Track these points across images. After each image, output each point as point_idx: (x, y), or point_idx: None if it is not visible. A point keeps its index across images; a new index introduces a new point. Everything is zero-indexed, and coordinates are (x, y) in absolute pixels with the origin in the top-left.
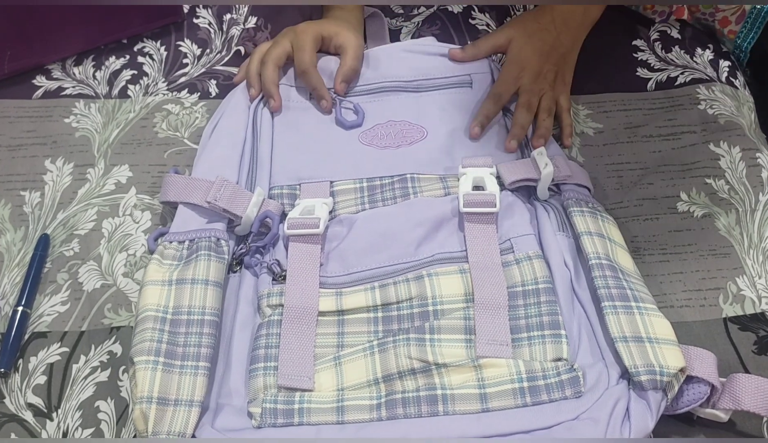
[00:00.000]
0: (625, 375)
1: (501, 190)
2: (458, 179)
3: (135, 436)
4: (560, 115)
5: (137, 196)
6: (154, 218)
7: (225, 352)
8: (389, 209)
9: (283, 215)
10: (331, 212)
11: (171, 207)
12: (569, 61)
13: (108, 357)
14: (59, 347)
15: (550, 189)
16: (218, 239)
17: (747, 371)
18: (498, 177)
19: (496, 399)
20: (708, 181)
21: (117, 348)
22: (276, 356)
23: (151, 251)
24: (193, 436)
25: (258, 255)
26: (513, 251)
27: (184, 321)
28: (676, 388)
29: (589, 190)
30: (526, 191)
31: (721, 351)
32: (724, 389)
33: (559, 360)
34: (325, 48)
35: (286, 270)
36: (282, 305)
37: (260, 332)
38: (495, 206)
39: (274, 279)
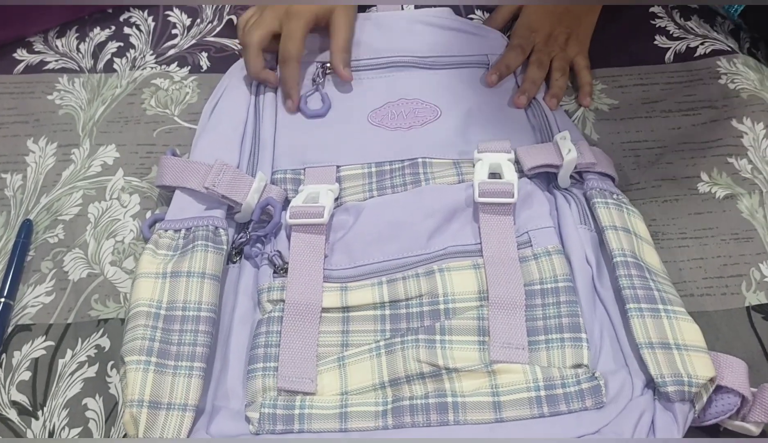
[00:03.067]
0: (651, 383)
1: (519, 177)
2: (473, 165)
3: (125, 436)
4: (579, 73)
5: (125, 178)
6: (143, 201)
7: (223, 349)
8: (399, 197)
9: (286, 202)
10: (336, 200)
11: (167, 192)
12: (585, 23)
13: (96, 351)
14: (44, 340)
15: (571, 177)
16: (216, 228)
17: None
18: (516, 162)
19: (510, 408)
20: (730, 160)
21: (105, 342)
22: (276, 355)
23: (146, 239)
24: None
25: (259, 245)
26: (531, 245)
27: (179, 317)
28: (705, 399)
29: (613, 179)
30: (545, 178)
31: (744, 343)
32: (756, 400)
33: (579, 366)
34: (317, 25)
35: (288, 262)
36: (283, 301)
37: (260, 329)
38: (512, 197)
39: (275, 272)
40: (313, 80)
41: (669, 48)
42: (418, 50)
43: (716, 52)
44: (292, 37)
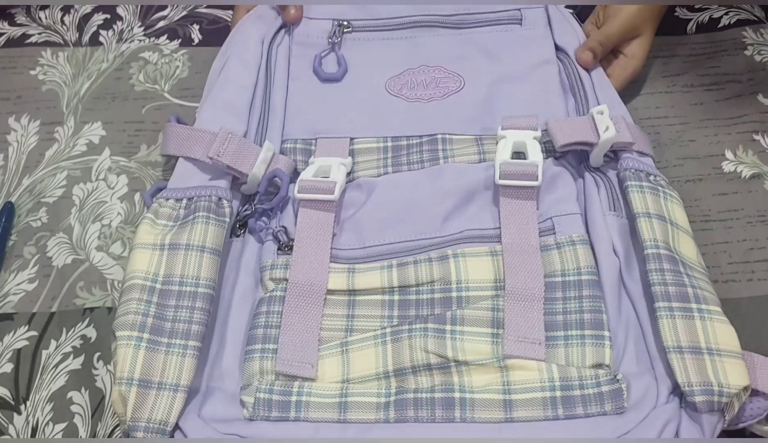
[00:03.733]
0: (677, 390)
1: (545, 157)
2: (496, 142)
3: (113, 430)
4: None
5: (111, 158)
6: (131, 182)
7: (220, 328)
8: (415, 175)
9: (296, 174)
10: (349, 174)
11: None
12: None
13: (81, 341)
14: (27, 330)
15: (606, 156)
16: (219, 199)
17: None
18: (546, 141)
19: (522, 407)
20: (756, 137)
21: (91, 332)
22: (276, 337)
23: (147, 207)
24: (177, 425)
25: (264, 219)
26: (554, 233)
27: (175, 292)
28: (737, 409)
29: (652, 158)
30: (576, 155)
31: None
32: None
33: (600, 366)
34: None
35: (293, 239)
36: (286, 280)
37: (260, 308)
38: (537, 179)
39: (279, 249)
40: (329, 39)
41: (691, 19)
42: (444, 8)
43: (742, 22)
44: None
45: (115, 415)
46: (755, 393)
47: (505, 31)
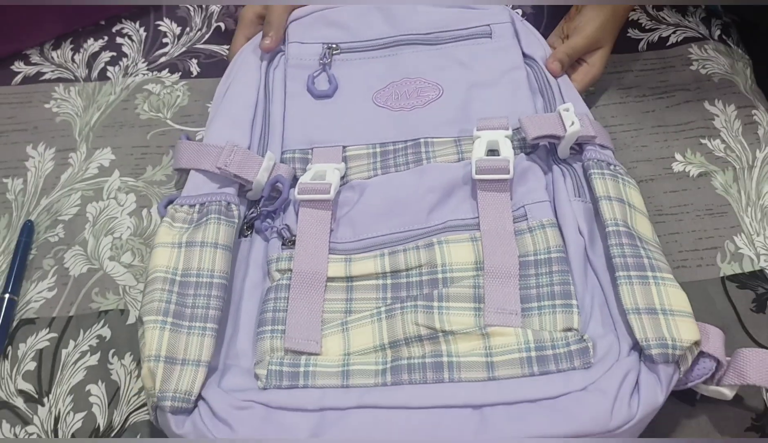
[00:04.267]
0: (637, 347)
1: (517, 154)
2: (473, 142)
3: (130, 415)
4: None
5: (121, 179)
6: (138, 200)
7: (234, 315)
8: (401, 175)
9: (295, 180)
10: (342, 178)
11: (183, 174)
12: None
13: (97, 341)
14: (48, 332)
15: (571, 148)
16: (228, 204)
17: (745, 328)
18: (520, 138)
19: (502, 367)
20: (703, 141)
21: (106, 332)
22: (283, 319)
23: (162, 217)
24: (200, 396)
25: (269, 220)
26: (526, 219)
27: (193, 283)
28: (690, 361)
29: (612, 151)
30: (545, 149)
31: (719, 310)
32: (729, 365)
33: (570, 330)
34: None
35: (295, 235)
36: (291, 270)
37: (269, 295)
38: (508, 173)
39: (283, 244)
40: (320, 61)
41: (642, 39)
42: (420, 28)
43: (688, 40)
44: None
45: (143, 391)
46: (702, 355)
47: (476, 45)
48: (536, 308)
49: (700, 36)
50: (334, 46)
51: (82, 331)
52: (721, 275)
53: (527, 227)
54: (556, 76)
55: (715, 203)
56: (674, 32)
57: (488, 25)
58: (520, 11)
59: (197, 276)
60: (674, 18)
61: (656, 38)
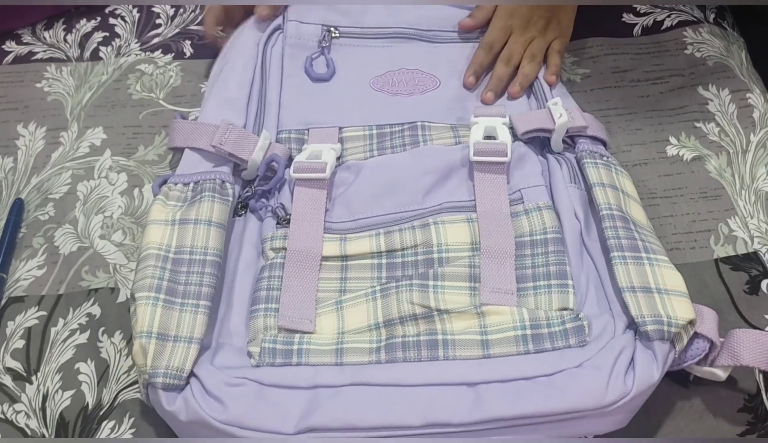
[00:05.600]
0: (632, 325)
1: (514, 141)
2: (470, 129)
3: (119, 394)
4: (549, 55)
5: (112, 158)
6: (130, 179)
7: (227, 293)
8: (398, 157)
9: (290, 160)
10: (339, 159)
11: (177, 153)
12: (566, 9)
13: (87, 319)
14: (37, 311)
15: (564, 142)
16: (223, 182)
17: (738, 310)
18: (511, 128)
19: (497, 345)
20: (698, 125)
21: (95, 310)
22: (277, 298)
23: (155, 196)
24: (192, 373)
25: (263, 199)
26: (523, 202)
27: (186, 260)
28: (685, 340)
29: (605, 144)
30: (539, 143)
31: (712, 291)
32: (723, 346)
33: (565, 309)
34: None
35: (290, 214)
36: (285, 249)
37: (263, 274)
38: (506, 156)
39: (278, 223)
40: (319, 43)
41: (636, 23)
42: (421, 23)
43: (682, 23)
44: None
45: (134, 369)
46: (696, 335)
47: (472, 49)
48: (532, 288)
49: (694, 19)
50: (333, 29)
51: (71, 309)
52: (715, 257)
53: (523, 209)
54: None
55: (709, 187)
56: (669, 16)
57: (485, 31)
58: None
59: (190, 253)
60: (669, 2)
61: (651, 22)
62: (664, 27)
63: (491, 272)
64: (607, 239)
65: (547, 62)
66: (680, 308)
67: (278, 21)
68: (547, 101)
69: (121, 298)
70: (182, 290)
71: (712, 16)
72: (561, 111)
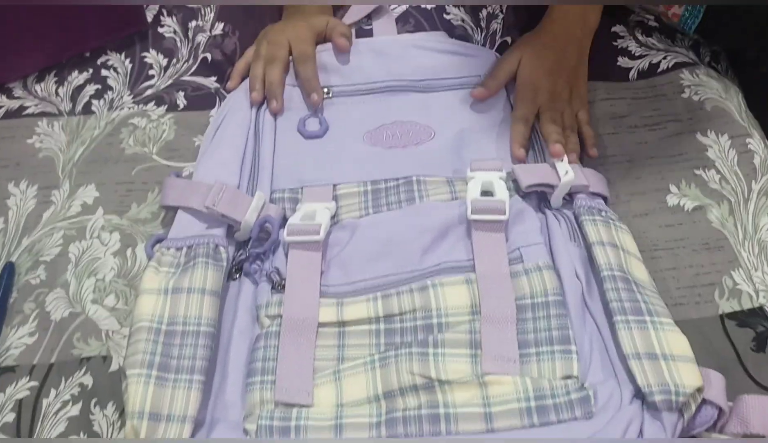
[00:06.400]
0: (639, 393)
1: (511, 196)
2: (466, 183)
3: None
4: (581, 128)
5: (105, 217)
6: (123, 239)
7: (222, 363)
8: (394, 215)
9: (285, 220)
10: (333, 217)
11: (170, 210)
12: (580, 74)
13: (79, 389)
14: (28, 381)
15: (563, 197)
16: (217, 246)
17: (745, 369)
18: (513, 180)
19: (501, 418)
20: (698, 172)
21: (88, 380)
22: (274, 369)
23: (149, 258)
24: None
25: (258, 262)
26: (522, 261)
27: (179, 332)
28: (693, 408)
29: (605, 199)
30: (536, 197)
31: (718, 349)
32: (733, 412)
33: (569, 377)
34: (318, 37)
35: (285, 279)
36: (281, 316)
37: (258, 344)
38: (504, 214)
39: (273, 288)
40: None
41: (632, 67)
42: (412, 74)
43: (679, 65)
44: (304, 40)
45: None
46: (704, 402)
47: (467, 94)
48: (534, 354)
49: (690, 61)
50: (326, 89)
51: (63, 379)
52: (720, 312)
53: (523, 269)
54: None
55: (711, 238)
56: (664, 58)
57: (478, 75)
58: (509, 39)
59: (184, 324)
60: (663, 44)
61: (647, 65)
62: (660, 70)
63: (492, 339)
64: (609, 302)
65: (581, 135)
66: (687, 376)
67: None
68: (545, 153)
69: (114, 367)
70: (175, 364)
71: (707, 59)
72: (566, 168)
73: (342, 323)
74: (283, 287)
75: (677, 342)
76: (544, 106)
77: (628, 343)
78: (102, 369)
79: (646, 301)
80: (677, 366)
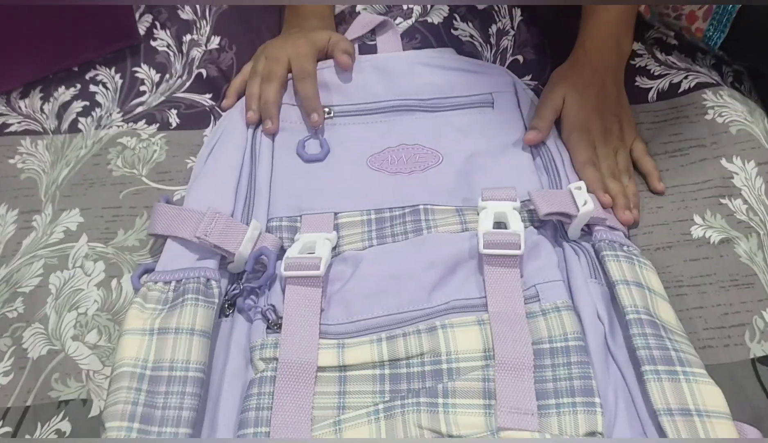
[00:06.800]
0: None
1: (525, 227)
2: (477, 212)
3: None
4: (640, 161)
5: (89, 244)
6: (108, 268)
7: (212, 411)
8: (399, 247)
9: (282, 251)
10: (334, 249)
11: (160, 239)
12: (623, 104)
13: (55, 435)
14: (1, 426)
15: (581, 229)
16: (208, 280)
17: None
18: (528, 210)
19: None
20: (723, 201)
21: (65, 426)
22: (268, 419)
23: (135, 290)
24: None
25: (253, 297)
26: (539, 300)
27: (165, 378)
28: None
29: (624, 232)
30: (552, 227)
31: (750, 397)
32: None
33: (593, 434)
34: (320, 53)
35: (282, 317)
36: (276, 359)
37: (251, 390)
38: (519, 248)
39: (268, 327)
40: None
41: (651, 87)
42: (419, 93)
43: (701, 86)
44: (305, 56)
45: None
46: None
47: (478, 114)
48: (554, 406)
49: (713, 82)
50: (327, 109)
51: (39, 424)
52: (751, 356)
53: (540, 309)
54: (535, 143)
55: (740, 273)
56: (686, 77)
57: (490, 93)
58: (521, 57)
59: (170, 369)
60: (684, 62)
61: (666, 85)
62: (681, 90)
63: (508, 389)
64: (636, 349)
65: (643, 169)
66: (723, 433)
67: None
68: (561, 180)
69: (94, 411)
70: (160, 415)
71: (730, 80)
72: (585, 197)
73: (343, 368)
74: (280, 326)
75: (712, 396)
76: (600, 152)
77: (658, 397)
78: (81, 413)
79: (676, 348)
80: (712, 423)
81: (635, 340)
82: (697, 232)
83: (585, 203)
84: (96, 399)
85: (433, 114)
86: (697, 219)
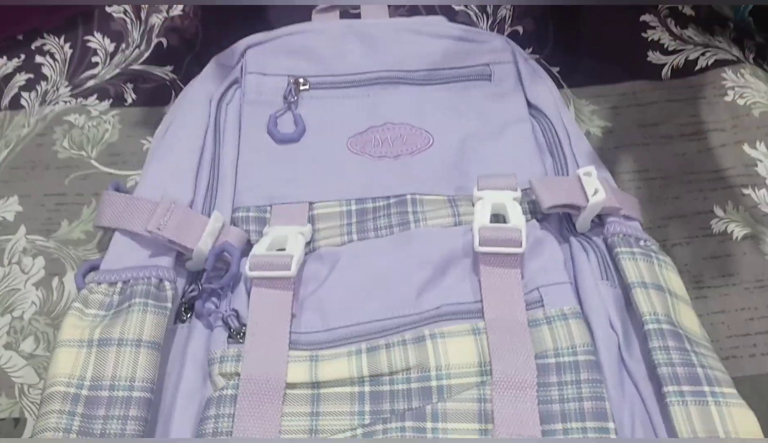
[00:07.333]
0: None
1: (527, 220)
2: (472, 203)
3: None
4: None
5: (27, 237)
6: (49, 265)
7: (162, 435)
8: (383, 243)
9: (249, 247)
10: (308, 244)
11: (110, 232)
12: None
13: None
14: None
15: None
16: (160, 281)
17: None
18: (530, 201)
19: None
20: (746, 191)
21: None
22: None
23: (80, 290)
24: None
25: (214, 300)
26: (543, 305)
27: (105, 399)
28: None
29: (640, 222)
30: (557, 219)
31: None
32: None
33: None
34: None
35: (246, 325)
36: (238, 375)
37: (208, 412)
38: (520, 246)
39: (230, 336)
40: (285, 98)
41: (665, 63)
42: (407, 64)
43: (720, 63)
44: None
45: None
46: None
47: (473, 88)
48: (561, 432)
49: (734, 58)
50: (302, 80)
51: None
52: None
53: (544, 316)
54: None
55: (765, 274)
56: (703, 54)
57: (487, 64)
58: (521, 28)
59: (111, 388)
60: (701, 37)
61: (682, 61)
62: (698, 67)
63: (508, 411)
64: (657, 366)
65: None
66: None
67: (235, 73)
68: (567, 163)
69: (27, 432)
70: None
71: (752, 56)
72: (596, 185)
73: (317, 385)
74: (243, 335)
75: (744, 422)
76: None
77: (683, 424)
78: (12, 435)
79: (703, 364)
80: None
81: (655, 355)
82: (718, 226)
83: (596, 192)
84: (30, 418)
85: (423, 88)
86: (718, 211)
